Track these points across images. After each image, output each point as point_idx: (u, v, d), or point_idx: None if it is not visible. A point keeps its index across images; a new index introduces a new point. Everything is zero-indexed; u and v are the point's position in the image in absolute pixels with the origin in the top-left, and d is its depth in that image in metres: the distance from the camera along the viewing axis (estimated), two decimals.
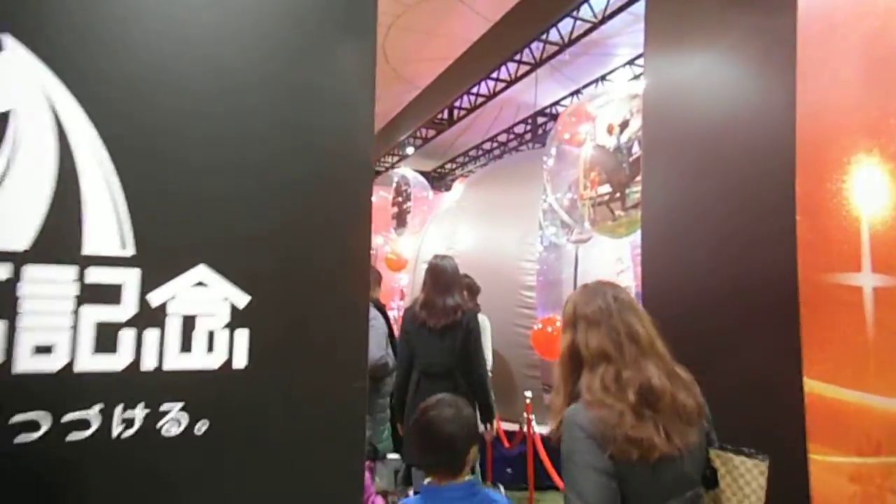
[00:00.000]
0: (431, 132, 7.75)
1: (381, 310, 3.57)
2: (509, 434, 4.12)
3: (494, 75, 6.32)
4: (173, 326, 1.24)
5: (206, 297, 1.28)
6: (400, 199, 8.28)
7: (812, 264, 1.61)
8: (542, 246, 5.20)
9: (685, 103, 2.03)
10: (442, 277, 3.28)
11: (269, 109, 1.38)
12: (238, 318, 1.30)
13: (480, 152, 10.55)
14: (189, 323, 1.25)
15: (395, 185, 8.16)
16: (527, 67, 6.30)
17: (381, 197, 8.67)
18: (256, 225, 1.34)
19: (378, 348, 3.35)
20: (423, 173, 9.98)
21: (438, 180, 12.41)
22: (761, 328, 1.68)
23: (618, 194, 3.17)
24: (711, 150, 1.91)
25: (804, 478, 1.54)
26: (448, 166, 12.04)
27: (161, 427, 1.20)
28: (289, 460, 1.32)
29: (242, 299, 1.31)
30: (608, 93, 2.94)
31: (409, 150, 8.98)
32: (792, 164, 1.62)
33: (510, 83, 6.34)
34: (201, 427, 1.24)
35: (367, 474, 1.97)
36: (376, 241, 8.77)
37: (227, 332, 1.29)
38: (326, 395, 1.31)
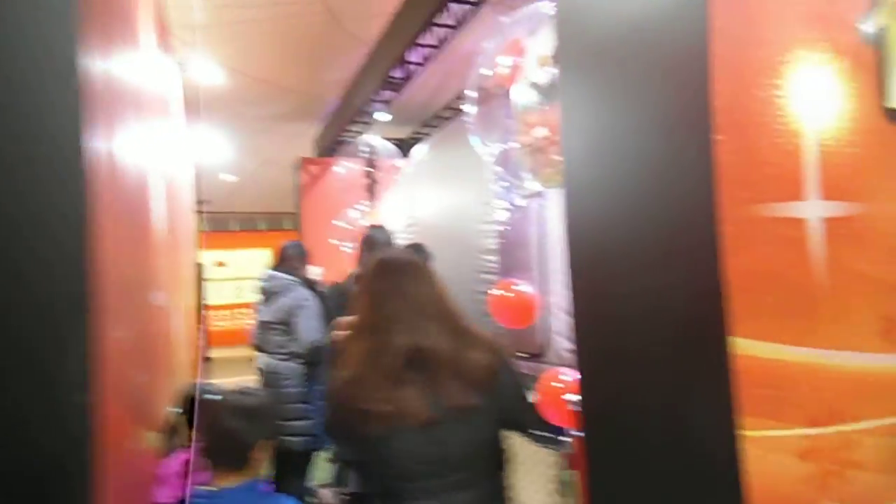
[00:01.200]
0: (397, 95, 7.36)
1: (315, 289, 3.28)
2: None
3: (438, 21, 5.80)
4: None
5: None
6: (370, 169, 7.93)
7: (737, 195, 1.28)
8: (506, 206, 4.86)
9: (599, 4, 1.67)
10: (373, 247, 3.02)
11: None
12: None
13: (454, 113, 10.10)
14: None
15: (362, 154, 7.81)
16: (470, 7, 5.77)
17: (350, 169, 8.34)
18: None
19: (311, 331, 3.08)
20: (398, 141, 9.63)
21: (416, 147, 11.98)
22: (681, 279, 1.36)
23: (557, 137, 2.81)
24: (627, 63, 1.56)
25: (736, 461, 1.23)
26: (424, 131, 11.61)
27: None
28: None
29: None
30: (535, 17, 2.56)
31: (380, 117, 8.59)
32: (704, 70, 1.28)
33: (456, 27, 5.83)
34: None
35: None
36: (351, 215, 8.50)
37: None
38: (33, 414, 1.00)
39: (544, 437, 1.20)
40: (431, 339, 1.20)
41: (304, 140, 11.36)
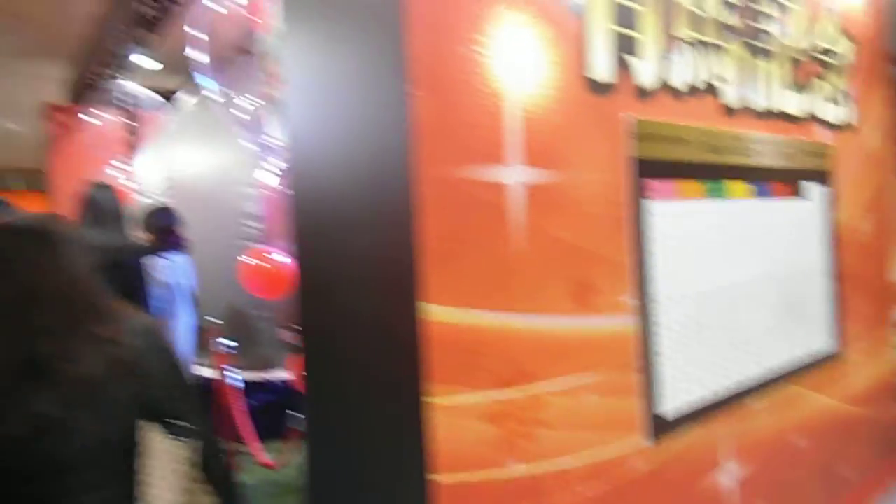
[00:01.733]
0: (154, 36, 6.48)
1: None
2: (256, 384, 3.62)
3: None
4: None
5: None
6: (130, 121, 6.99)
7: (436, 155, 1.22)
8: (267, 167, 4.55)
9: None
10: (95, 211, 2.59)
11: None
12: None
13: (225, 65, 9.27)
14: None
15: (121, 104, 6.84)
16: None
17: (110, 120, 7.28)
18: None
19: None
20: (169, 93, 8.61)
21: None
22: (378, 241, 1.28)
23: None
24: (339, 13, 1.42)
25: (422, 428, 1.19)
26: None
27: None
28: None
29: None
30: None
31: (142, 62, 7.55)
32: (396, 18, 1.18)
33: None
34: None
35: None
36: (110, 173, 7.45)
37: None
38: None
39: (189, 429, 1.04)
40: (41, 338, 0.93)
41: (50, 84, 9.71)
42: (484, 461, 1.26)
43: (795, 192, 2.20)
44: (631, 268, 1.61)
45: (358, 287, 1.34)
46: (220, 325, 3.42)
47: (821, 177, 2.33)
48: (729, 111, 1.92)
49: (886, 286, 2.92)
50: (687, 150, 1.76)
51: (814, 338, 2.26)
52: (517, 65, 1.37)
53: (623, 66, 1.59)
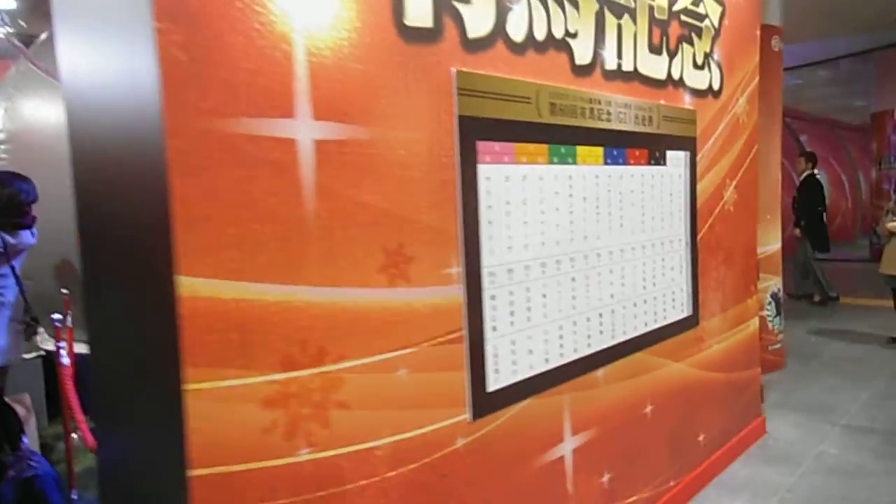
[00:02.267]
0: None
1: None
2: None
3: None
4: None
5: None
6: None
7: (193, 104, 1.04)
8: None
9: None
10: None
11: None
12: None
13: None
14: None
15: None
16: None
17: None
18: None
19: None
20: (30, 38, 7.77)
21: None
22: (128, 205, 1.10)
23: None
24: None
25: (179, 417, 1.04)
26: None
27: None
28: None
29: None
30: None
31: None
32: None
33: None
34: None
35: None
36: None
37: None
38: None
39: None
40: None
41: None
42: (262, 450, 1.13)
43: (656, 158, 2.15)
44: (458, 236, 1.50)
45: (120, 258, 1.16)
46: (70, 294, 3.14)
47: (684, 144, 2.30)
48: (582, 70, 1.82)
49: (750, 254, 2.98)
50: (527, 110, 1.65)
51: (670, 307, 2.26)
52: (306, 1, 1.20)
53: (450, 13, 1.44)
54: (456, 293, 1.50)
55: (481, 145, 1.54)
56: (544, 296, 1.73)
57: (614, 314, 1.98)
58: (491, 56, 1.55)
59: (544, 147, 1.72)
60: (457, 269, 1.50)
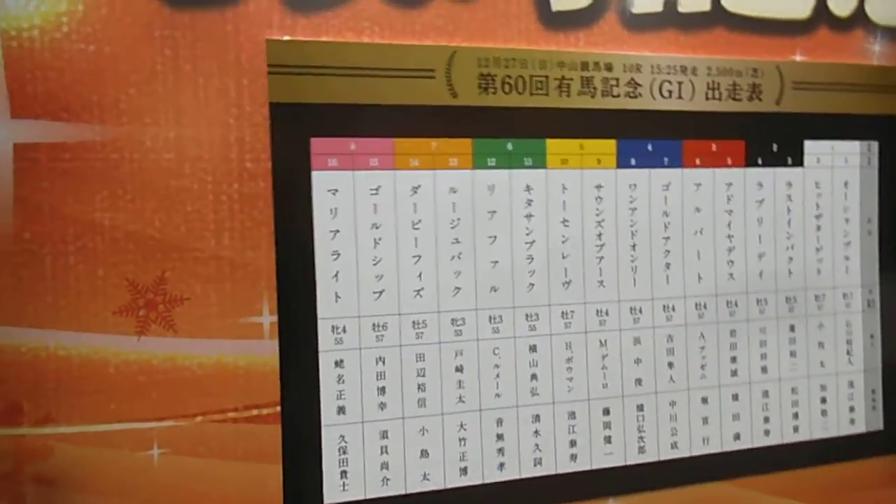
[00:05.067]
0: None
1: None
2: None
3: None
4: None
5: None
6: None
7: None
8: None
9: None
10: None
11: None
12: None
13: None
14: None
15: None
16: None
17: None
18: None
19: None
20: None
21: None
22: None
23: None
24: None
25: None
26: None
27: None
28: None
29: None
30: None
31: None
32: None
33: None
34: None
35: None
36: None
37: None
38: None
39: None
40: None
41: None
42: None
43: (771, 155, 1.25)
44: (270, 272, 1.06)
45: None
46: None
47: (860, 127, 1.30)
48: (565, 19, 1.13)
49: None
50: (427, 87, 1.08)
51: (817, 412, 1.28)
52: None
53: None
54: (266, 352, 1.07)
55: (319, 143, 1.06)
56: (459, 368, 1.12)
57: (643, 411, 1.19)
58: (351, 13, 1.06)
59: (463, 143, 1.12)
60: (266, 319, 1.06)
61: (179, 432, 1.01)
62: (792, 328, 1.25)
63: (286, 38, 1.03)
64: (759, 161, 1.23)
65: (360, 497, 1.07)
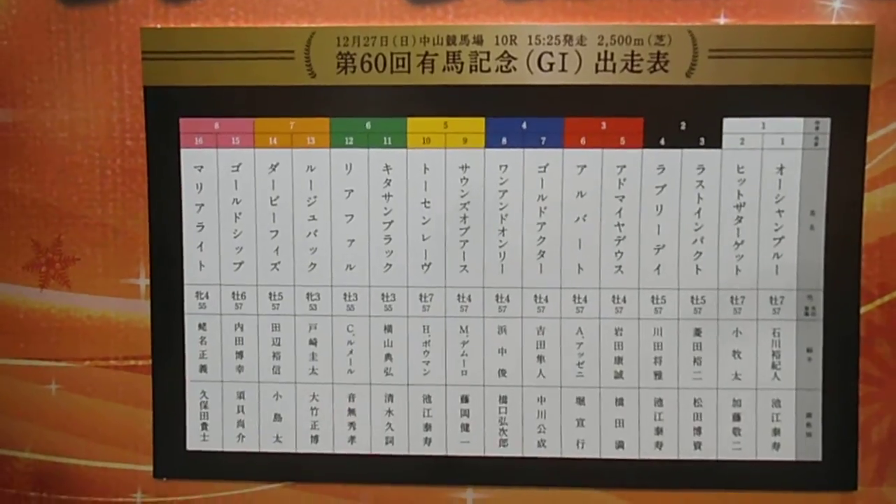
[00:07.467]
0: None
1: None
2: None
3: None
4: None
5: None
6: None
7: None
8: None
9: None
10: None
11: None
12: None
13: None
14: None
15: None
16: None
17: None
18: None
19: None
20: None
21: None
22: None
23: None
24: None
25: None
26: None
27: None
28: None
29: None
30: None
31: None
32: None
33: None
34: None
35: None
36: None
37: None
38: None
39: None
40: None
41: None
42: None
43: (679, 135, 1.08)
44: (146, 239, 1.16)
45: None
46: None
47: (802, 101, 1.05)
48: None
49: None
50: (286, 68, 1.10)
51: (711, 426, 1.10)
52: None
53: None
54: (142, 311, 1.18)
55: (187, 123, 1.14)
56: (313, 342, 1.15)
57: (507, 402, 1.12)
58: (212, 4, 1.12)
59: (320, 122, 1.12)
60: (142, 281, 1.17)
61: (72, 373, 1.17)
62: (697, 332, 1.12)
63: (158, 26, 1.12)
64: (662, 141, 1.10)
65: (219, 448, 1.17)
